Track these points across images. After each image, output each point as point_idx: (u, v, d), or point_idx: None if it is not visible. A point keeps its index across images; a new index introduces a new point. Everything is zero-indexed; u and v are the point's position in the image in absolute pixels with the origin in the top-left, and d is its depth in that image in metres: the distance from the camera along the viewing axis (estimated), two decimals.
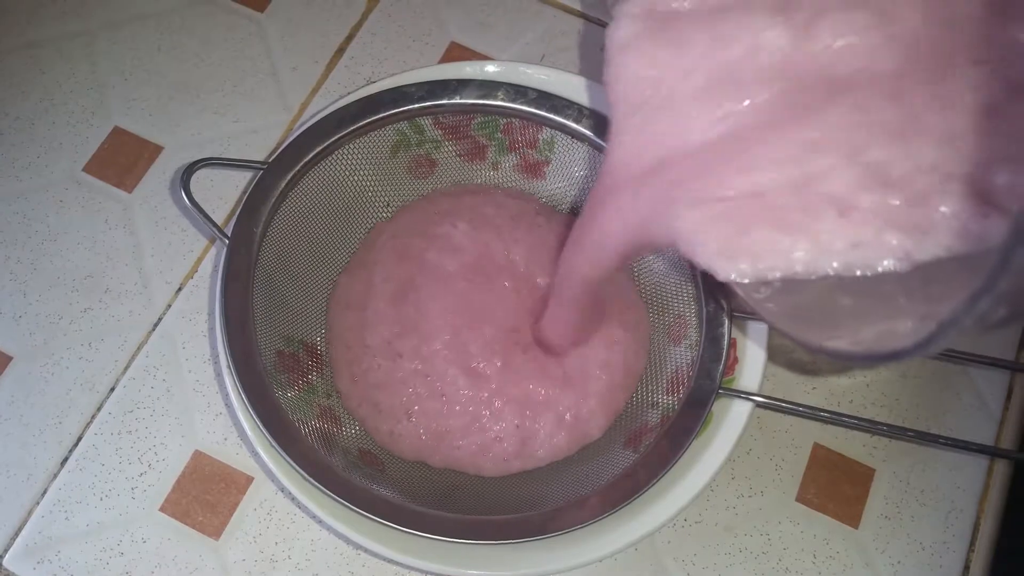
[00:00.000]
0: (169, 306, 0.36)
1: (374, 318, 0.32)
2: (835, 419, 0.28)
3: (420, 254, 0.33)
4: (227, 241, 0.30)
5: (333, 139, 0.32)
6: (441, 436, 0.31)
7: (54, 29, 0.41)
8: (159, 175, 0.38)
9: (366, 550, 0.28)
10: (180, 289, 0.36)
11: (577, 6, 0.42)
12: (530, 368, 0.31)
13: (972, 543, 0.32)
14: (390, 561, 0.28)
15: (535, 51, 0.41)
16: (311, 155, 0.31)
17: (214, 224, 0.30)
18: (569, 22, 0.42)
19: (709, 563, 0.32)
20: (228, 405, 0.34)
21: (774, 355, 0.34)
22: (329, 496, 0.27)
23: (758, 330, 0.30)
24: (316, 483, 0.27)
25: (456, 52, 0.41)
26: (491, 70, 0.33)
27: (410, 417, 0.31)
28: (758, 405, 0.28)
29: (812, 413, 0.29)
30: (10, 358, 0.36)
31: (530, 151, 0.35)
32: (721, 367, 0.29)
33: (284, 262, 0.32)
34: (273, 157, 0.31)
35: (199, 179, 0.38)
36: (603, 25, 0.41)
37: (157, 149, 0.39)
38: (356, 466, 0.30)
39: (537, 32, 0.41)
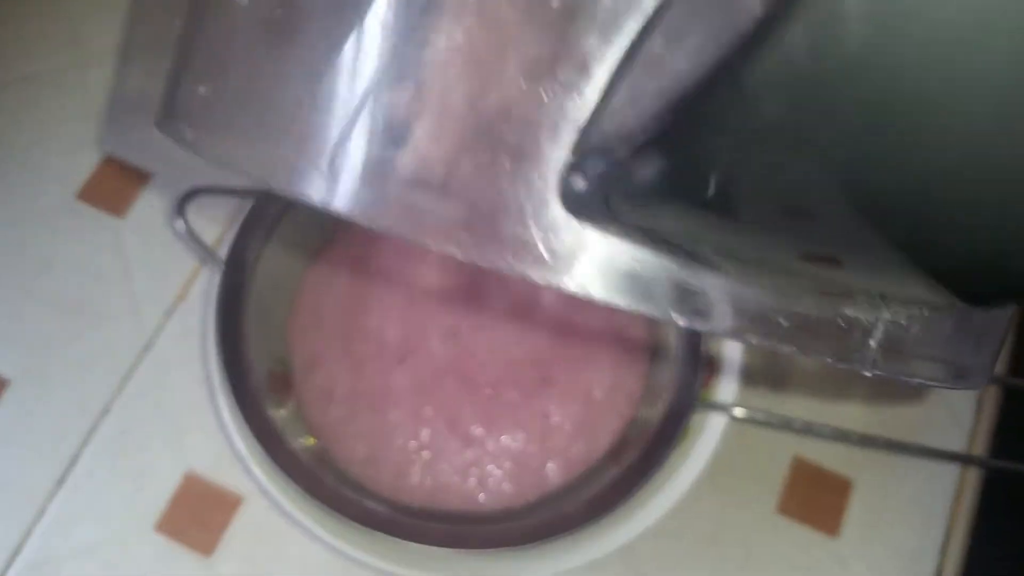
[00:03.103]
0: (161, 329, 0.38)
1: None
2: (807, 428, 0.31)
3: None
4: (221, 265, 0.32)
5: None
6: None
7: (48, 62, 0.44)
8: (150, 201, 0.41)
9: (358, 561, 0.30)
10: (171, 312, 0.39)
11: None
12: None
13: (945, 548, 0.34)
14: (380, 571, 0.30)
15: None
16: None
17: (208, 250, 0.32)
18: None
19: (691, 574, 0.34)
20: (220, 425, 0.36)
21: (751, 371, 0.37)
22: (321, 509, 0.29)
23: (733, 345, 0.32)
24: (309, 497, 0.29)
25: None
26: None
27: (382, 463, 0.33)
28: (734, 417, 0.31)
29: (786, 423, 0.31)
30: (6, 381, 0.38)
31: None
32: (699, 380, 0.31)
33: (275, 285, 0.34)
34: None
35: (190, 204, 0.40)
36: None
37: (147, 176, 0.41)
38: (345, 480, 0.32)
39: None
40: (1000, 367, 0.37)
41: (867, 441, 0.31)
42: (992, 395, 0.37)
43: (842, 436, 0.31)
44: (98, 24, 0.45)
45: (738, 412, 0.30)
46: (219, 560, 0.35)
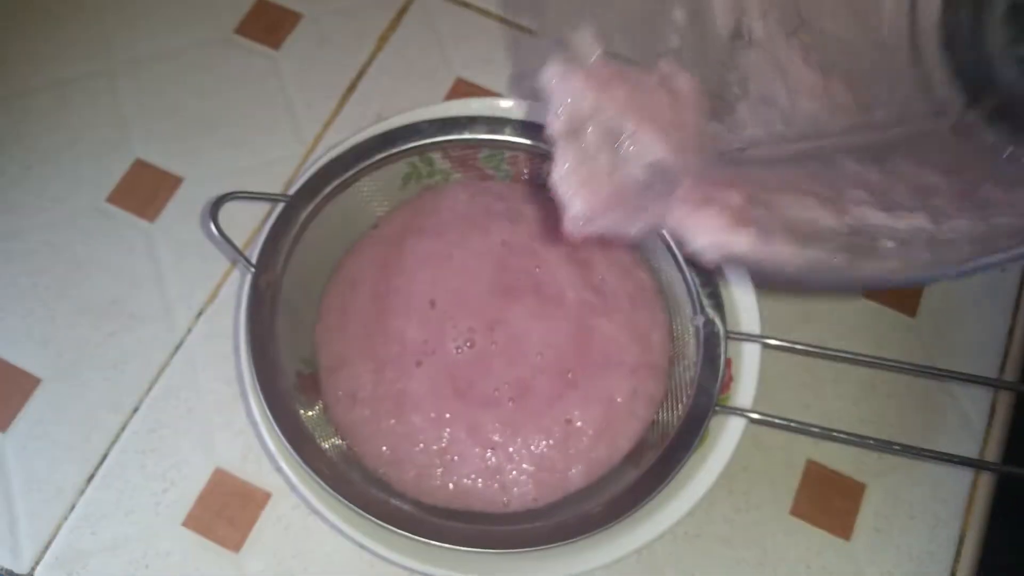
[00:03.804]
0: (190, 329, 0.40)
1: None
2: (825, 433, 0.32)
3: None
4: (251, 268, 0.33)
5: (350, 173, 0.35)
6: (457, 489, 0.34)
7: (79, 68, 0.45)
8: (180, 205, 0.42)
9: (382, 558, 0.31)
10: (201, 313, 0.40)
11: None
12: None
13: (958, 554, 0.35)
14: (404, 568, 0.31)
15: (537, 84, 0.45)
16: (330, 187, 0.35)
17: (240, 252, 0.33)
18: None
19: (707, 574, 0.35)
20: (251, 423, 0.38)
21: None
22: (348, 507, 0.30)
23: (752, 350, 0.33)
24: (337, 495, 0.31)
25: (462, 88, 0.45)
26: (500, 105, 0.37)
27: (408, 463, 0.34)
28: (752, 421, 0.32)
29: (803, 428, 0.32)
30: (39, 380, 0.39)
31: (534, 181, 0.39)
32: (717, 386, 0.32)
33: (304, 288, 0.35)
34: (295, 190, 0.35)
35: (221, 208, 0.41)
36: None
37: (178, 180, 0.43)
38: (371, 479, 0.33)
39: (537, 67, 0.45)
40: (1012, 374, 0.38)
41: (882, 446, 0.32)
42: (1005, 402, 0.38)
43: (858, 440, 0.32)
44: (130, 32, 0.46)
45: (755, 416, 0.31)
46: (247, 555, 0.36)
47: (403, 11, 0.47)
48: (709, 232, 0.24)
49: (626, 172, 0.26)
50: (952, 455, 0.32)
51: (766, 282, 0.34)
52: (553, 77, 0.27)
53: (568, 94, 0.27)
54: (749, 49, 0.31)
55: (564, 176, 0.26)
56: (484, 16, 0.47)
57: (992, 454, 0.37)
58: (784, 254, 0.24)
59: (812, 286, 0.32)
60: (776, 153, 0.29)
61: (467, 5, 0.47)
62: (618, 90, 0.26)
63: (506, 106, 0.37)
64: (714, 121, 0.29)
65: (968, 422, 0.38)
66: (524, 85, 0.32)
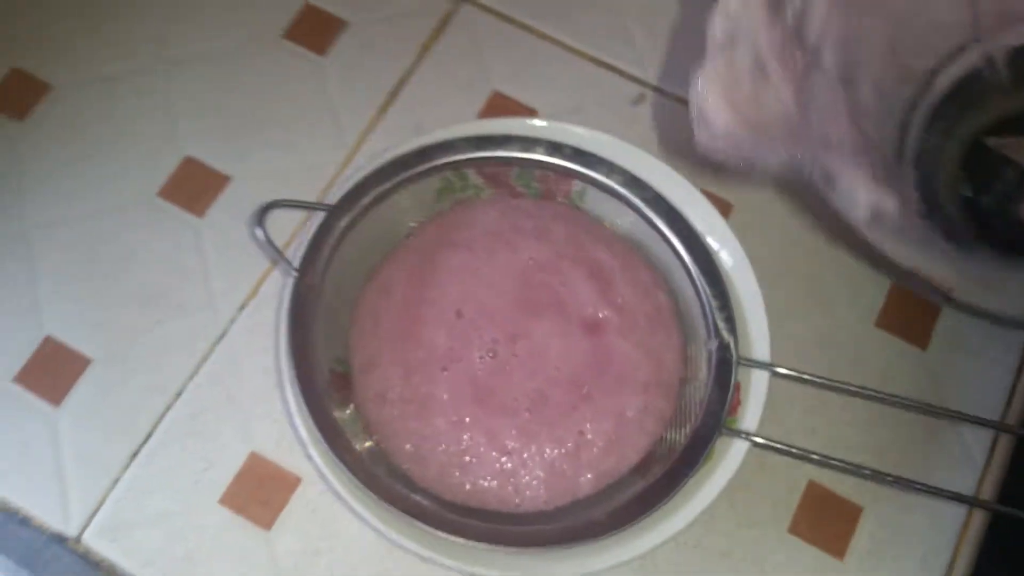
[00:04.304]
0: (233, 321, 0.43)
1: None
2: (824, 461, 0.34)
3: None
4: (293, 271, 0.36)
5: (388, 185, 0.38)
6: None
7: (132, 63, 0.48)
8: (227, 202, 0.45)
9: (401, 546, 0.34)
10: (243, 307, 0.43)
11: (609, 59, 0.48)
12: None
13: None
14: (420, 557, 0.34)
15: (571, 102, 0.46)
16: (369, 198, 0.38)
17: (283, 256, 0.36)
18: (602, 75, 0.47)
19: None
20: (286, 413, 0.40)
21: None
22: (372, 498, 0.33)
23: (760, 376, 0.35)
24: (363, 486, 0.33)
25: (498, 101, 0.47)
26: (533, 125, 0.39)
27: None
28: (756, 445, 0.34)
29: (804, 455, 0.34)
30: (90, 360, 0.42)
31: (563, 201, 0.41)
32: (725, 409, 0.34)
33: (340, 291, 0.38)
34: (337, 200, 0.37)
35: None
36: (633, 79, 0.47)
37: (226, 179, 0.45)
38: (395, 474, 0.36)
39: (572, 84, 0.47)
40: (1014, 418, 0.40)
41: (879, 477, 0.34)
42: (1005, 443, 0.39)
43: (854, 470, 0.34)
44: (183, 28, 0.49)
45: (759, 440, 0.33)
46: (277, 534, 0.39)
47: (445, 21, 0.49)
48: (864, 189, 0.26)
49: (776, 97, 0.27)
50: (943, 490, 0.34)
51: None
52: None
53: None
54: None
55: (710, 80, 0.26)
56: (524, 31, 0.49)
57: (988, 492, 0.38)
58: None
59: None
60: None
61: (510, 20, 0.49)
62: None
63: (539, 125, 0.39)
64: None
65: (970, 457, 0.39)
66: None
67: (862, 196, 0.27)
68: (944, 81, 0.36)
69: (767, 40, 0.26)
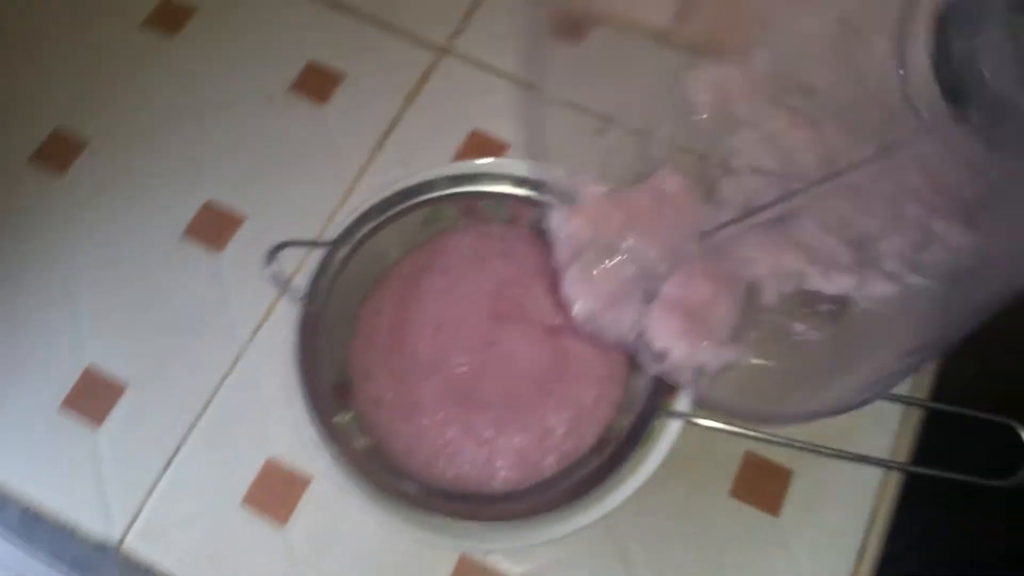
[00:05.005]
0: (248, 344, 0.49)
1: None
2: (757, 436, 0.40)
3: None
4: (298, 297, 0.43)
5: (378, 221, 0.45)
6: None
7: (155, 121, 0.55)
8: (243, 239, 0.52)
9: (398, 529, 0.40)
10: (257, 329, 0.50)
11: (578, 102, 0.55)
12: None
13: (868, 530, 0.44)
14: (415, 538, 0.40)
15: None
16: (362, 233, 0.44)
17: (289, 286, 0.43)
18: (568, 116, 0.54)
19: (662, 545, 0.44)
20: (297, 421, 0.47)
21: None
22: (372, 488, 0.39)
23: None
24: (364, 479, 0.39)
25: (476, 138, 0.54)
26: (501, 163, 0.46)
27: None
28: (689, 423, 0.40)
29: (740, 432, 0.40)
30: (126, 384, 0.49)
31: (525, 224, 0.48)
32: (660, 395, 0.40)
33: (341, 314, 0.45)
34: (336, 236, 0.44)
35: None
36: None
37: (241, 219, 0.53)
38: (389, 468, 0.42)
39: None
40: (922, 392, 0.46)
41: (809, 447, 0.40)
42: (914, 414, 0.46)
43: (787, 442, 0.40)
44: (197, 84, 0.56)
45: (693, 420, 0.40)
46: (292, 527, 0.45)
47: (429, 71, 0.56)
48: (666, 338, 0.33)
49: (621, 276, 0.35)
50: (869, 457, 0.40)
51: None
52: (557, 222, 0.36)
53: (569, 231, 0.35)
54: (736, 130, 0.37)
55: (570, 284, 0.36)
56: (498, 76, 0.56)
57: (902, 454, 0.45)
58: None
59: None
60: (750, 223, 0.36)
61: (485, 67, 0.56)
62: (614, 216, 0.35)
63: (506, 163, 0.46)
64: (707, 204, 0.37)
65: (884, 427, 0.46)
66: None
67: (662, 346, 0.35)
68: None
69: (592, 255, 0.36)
